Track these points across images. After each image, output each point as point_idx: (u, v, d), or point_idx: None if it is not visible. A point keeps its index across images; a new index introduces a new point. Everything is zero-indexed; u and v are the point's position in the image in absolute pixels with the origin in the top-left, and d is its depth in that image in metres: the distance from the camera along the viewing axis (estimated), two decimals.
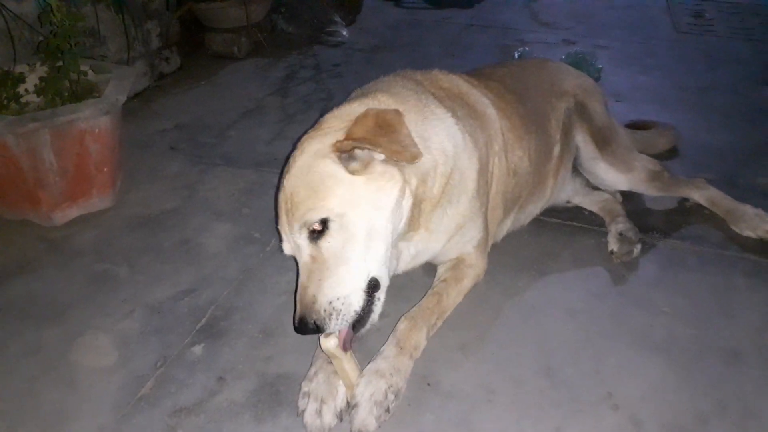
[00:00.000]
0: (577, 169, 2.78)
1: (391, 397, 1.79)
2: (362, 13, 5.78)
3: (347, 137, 1.74)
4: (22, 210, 2.72)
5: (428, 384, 1.94)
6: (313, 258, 1.75)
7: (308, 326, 1.70)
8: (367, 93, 2.03)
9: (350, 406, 1.78)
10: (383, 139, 1.71)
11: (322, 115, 2.00)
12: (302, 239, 1.75)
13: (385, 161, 1.77)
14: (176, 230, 2.72)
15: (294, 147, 1.89)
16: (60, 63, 2.64)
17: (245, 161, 3.29)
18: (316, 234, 1.73)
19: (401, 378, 1.85)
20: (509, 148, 2.37)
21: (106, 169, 2.77)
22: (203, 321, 2.22)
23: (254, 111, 3.89)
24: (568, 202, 2.87)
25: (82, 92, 2.71)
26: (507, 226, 2.54)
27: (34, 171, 2.56)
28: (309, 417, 1.75)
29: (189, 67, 4.55)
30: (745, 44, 5.13)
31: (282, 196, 1.82)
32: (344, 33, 5.17)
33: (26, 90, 2.68)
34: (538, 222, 2.73)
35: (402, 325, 1.98)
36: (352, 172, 1.74)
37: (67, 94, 2.68)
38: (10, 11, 2.92)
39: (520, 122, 2.44)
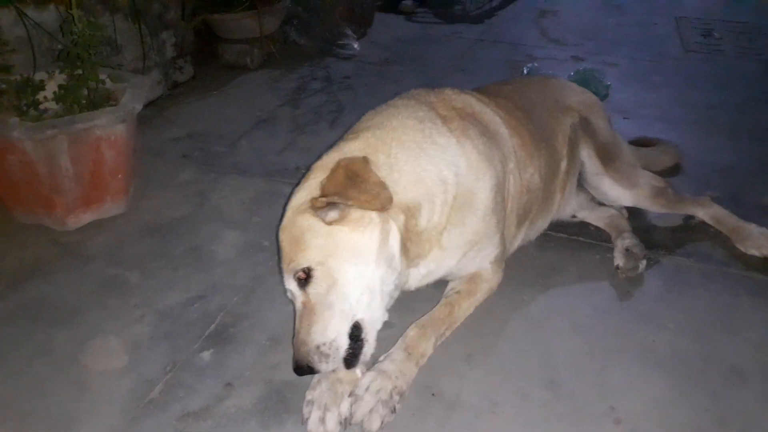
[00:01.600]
0: (581, 184, 2.80)
1: (396, 397, 1.84)
2: (373, 27, 5.82)
3: (321, 193, 1.85)
4: (37, 214, 2.77)
5: (433, 394, 1.96)
6: (304, 304, 1.86)
7: (303, 369, 1.82)
8: (359, 132, 2.10)
9: (353, 398, 1.83)
10: (352, 191, 1.81)
11: (343, 129, 2.07)
12: (293, 286, 1.88)
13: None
14: (187, 237, 2.76)
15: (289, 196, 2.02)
16: (79, 71, 2.70)
17: (256, 170, 3.34)
18: (303, 282, 1.85)
19: (405, 382, 1.90)
20: (522, 166, 2.41)
21: (120, 176, 2.81)
22: (212, 327, 2.25)
23: (265, 121, 3.94)
24: (574, 216, 2.89)
25: (100, 100, 2.76)
26: (518, 241, 2.57)
27: (50, 176, 2.61)
28: (313, 425, 1.79)
29: (202, 76, 4.61)
30: (753, 64, 5.14)
31: (279, 248, 1.96)
32: (355, 46, 5.22)
33: (45, 97, 2.73)
34: (544, 236, 2.75)
35: (412, 332, 2.02)
36: (330, 223, 1.84)
37: (85, 101, 2.73)
38: (31, 20, 2.99)
39: (530, 139, 2.47)
